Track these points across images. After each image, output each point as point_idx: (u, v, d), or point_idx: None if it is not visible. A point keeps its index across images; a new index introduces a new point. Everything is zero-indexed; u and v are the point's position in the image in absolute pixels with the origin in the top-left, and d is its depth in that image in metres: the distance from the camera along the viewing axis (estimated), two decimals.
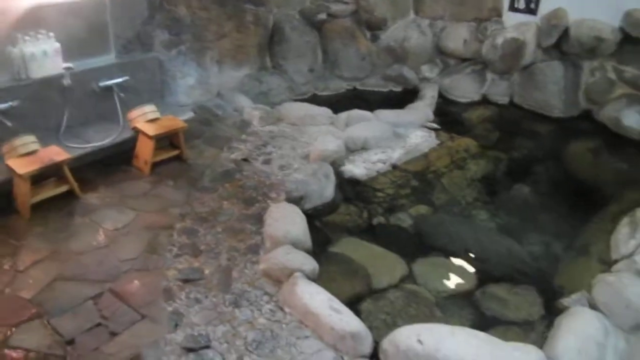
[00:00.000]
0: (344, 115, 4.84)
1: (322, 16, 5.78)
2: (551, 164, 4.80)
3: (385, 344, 2.44)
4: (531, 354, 2.33)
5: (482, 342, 2.39)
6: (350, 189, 4.08)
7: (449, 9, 5.96)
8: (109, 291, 2.84)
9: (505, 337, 2.71)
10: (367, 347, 2.48)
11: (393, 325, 2.79)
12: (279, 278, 2.89)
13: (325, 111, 4.96)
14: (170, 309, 2.72)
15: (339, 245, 3.46)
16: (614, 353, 2.47)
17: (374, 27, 6.01)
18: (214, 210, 3.56)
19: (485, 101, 5.89)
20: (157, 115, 3.92)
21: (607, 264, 3.28)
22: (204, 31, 4.80)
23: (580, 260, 3.46)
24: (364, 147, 4.44)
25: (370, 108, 5.13)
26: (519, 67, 5.70)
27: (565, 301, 2.92)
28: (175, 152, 4.02)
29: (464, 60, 6.12)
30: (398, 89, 6.16)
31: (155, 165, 3.93)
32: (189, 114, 4.55)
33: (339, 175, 4.06)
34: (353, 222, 3.75)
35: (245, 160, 4.20)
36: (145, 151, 3.82)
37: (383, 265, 3.31)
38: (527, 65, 5.69)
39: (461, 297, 3.12)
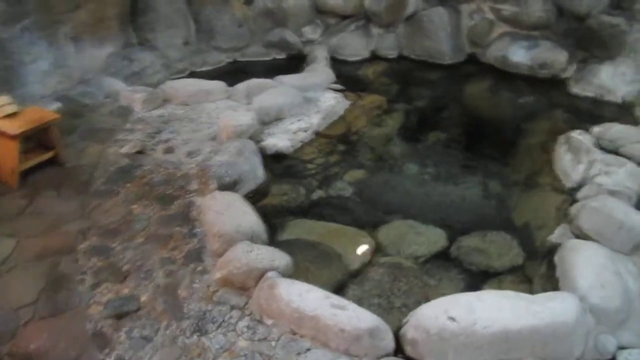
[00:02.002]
0: (242, 86, 4.20)
1: None
2: (456, 109, 4.76)
3: (410, 332, 1.98)
4: (567, 300, 2.05)
5: (513, 300, 2.05)
6: (278, 165, 3.51)
7: None
8: (9, 356, 1.97)
9: (507, 289, 2.47)
10: (389, 343, 2.00)
11: (393, 308, 2.37)
12: (245, 284, 2.26)
13: (219, 85, 4.27)
14: None
15: (290, 230, 2.92)
16: (632, 278, 2.30)
17: None
18: (124, 218, 2.76)
19: (375, 57, 5.63)
20: (15, 108, 2.91)
21: (565, 193, 3.19)
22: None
23: (534, 194, 3.35)
24: (278, 117, 3.87)
25: (257, 77, 4.58)
26: (403, 17, 5.52)
27: (552, 237, 2.73)
28: (49, 154, 3.05)
29: (345, 17, 5.78)
30: (282, 55, 5.63)
31: (25, 174, 2.95)
32: (53, 106, 3.55)
33: (261, 151, 3.45)
34: (293, 202, 3.21)
35: (140, 152, 3.39)
36: (8, 157, 2.82)
37: (347, 242, 2.85)
38: (410, 15, 5.53)
39: (440, 257, 2.80)
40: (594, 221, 2.57)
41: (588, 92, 4.73)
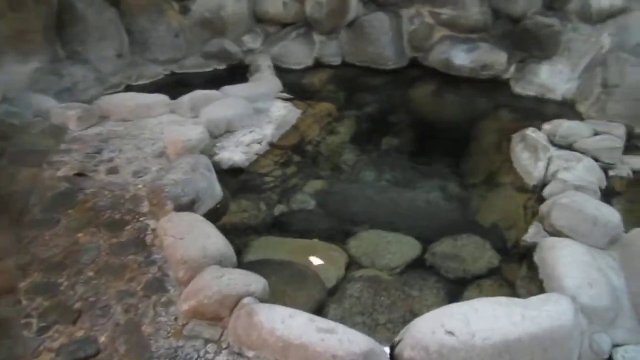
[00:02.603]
0: (186, 99, 3.94)
1: None
2: (405, 113, 4.73)
3: (407, 351, 1.84)
4: (561, 302, 1.98)
5: (507, 307, 1.95)
6: (235, 180, 3.29)
7: None
8: None
9: (488, 293, 2.42)
10: None
11: (379, 325, 2.24)
12: (219, 313, 2.03)
13: (161, 98, 3.99)
14: None
15: (256, 250, 2.72)
16: (614, 273, 2.29)
17: None
18: (69, 249, 2.44)
19: (319, 64, 5.54)
20: None
21: (529, 191, 3.19)
22: None
23: (497, 194, 3.33)
24: (229, 130, 3.65)
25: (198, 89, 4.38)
26: (345, 23, 5.47)
27: (526, 237, 2.69)
28: None
29: (285, 25, 5.65)
30: (223, 66, 5.41)
31: None
32: None
33: (215, 166, 3.22)
34: (254, 219, 3.02)
35: (80, 174, 3.06)
36: None
37: (319, 258, 2.69)
38: (352, 21, 5.48)
39: (415, 266, 2.70)
40: (567, 218, 2.55)
41: (530, 91, 4.84)
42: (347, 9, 5.31)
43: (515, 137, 3.72)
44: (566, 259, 2.29)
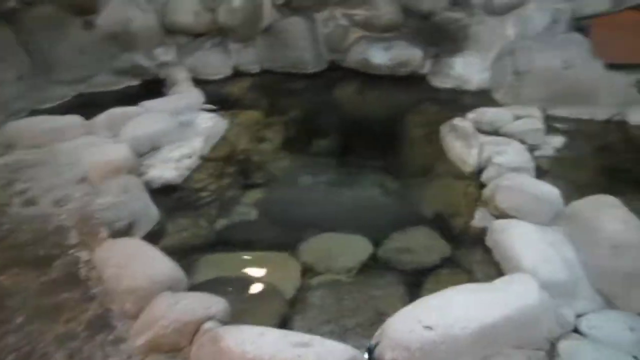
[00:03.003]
0: (102, 118, 3.65)
1: (12, 4, 4.24)
2: (331, 115, 4.73)
3: (387, 353, 1.77)
4: (526, 281, 2.01)
5: (477, 293, 1.95)
6: (169, 199, 3.08)
7: None
8: None
9: (448, 282, 2.42)
10: None
11: (348, 331, 2.15)
12: (178, 343, 1.85)
13: (74, 120, 3.67)
14: None
15: (204, 270, 2.54)
16: (564, 246, 2.37)
17: (86, 10, 4.75)
18: None
19: (237, 73, 5.39)
20: None
21: (467, 178, 3.26)
22: None
23: (436, 184, 3.38)
24: (155, 147, 3.42)
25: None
26: (260, 30, 5.37)
27: (474, 222, 2.73)
28: None
29: (198, 35, 5.44)
30: (136, 82, 5.11)
31: None
32: None
33: (146, 186, 2.99)
34: (196, 237, 2.84)
35: None
36: None
37: (272, 269, 2.57)
38: (267, 28, 5.39)
39: (371, 265, 2.64)
40: (511, 199, 2.61)
41: (447, 84, 5.01)
42: (261, 16, 5.22)
43: (444, 127, 3.80)
44: (519, 239, 2.34)
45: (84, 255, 2.38)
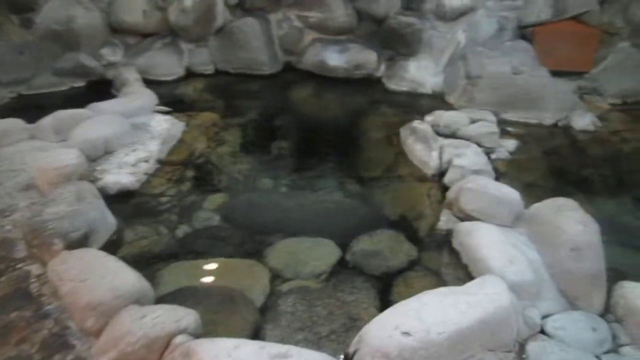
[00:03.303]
0: (47, 121, 3.44)
1: None
2: (288, 117, 4.64)
3: None
4: (495, 283, 2.04)
5: (451, 297, 1.96)
6: (126, 206, 2.93)
7: None
8: None
9: (417, 285, 2.44)
10: None
11: (322, 339, 2.11)
12: (146, 359, 1.75)
13: (16, 123, 3.44)
14: None
15: (168, 280, 2.43)
16: (527, 247, 2.42)
17: (22, 7, 4.47)
18: None
19: (190, 74, 5.25)
20: None
21: (429, 180, 3.30)
22: None
23: (398, 186, 3.39)
24: (108, 150, 3.25)
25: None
26: (213, 30, 5.24)
27: (440, 225, 2.76)
28: None
29: (146, 35, 5.25)
30: (81, 83, 4.86)
31: None
32: None
33: (101, 192, 2.83)
34: (157, 245, 2.71)
35: None
36: None
37: (240, 277, 2.49)
38: (220, 28, 5.27)
39: (339, 270, 2.61)
40: (475, 201, 2.66)
41: (403, 87, 5.08)
42: (214, 16, 5.09)
43: (404, 130, 3.84)
44: (485, 241, 2.38)
45: (34, 269, 2.23)
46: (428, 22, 5.19)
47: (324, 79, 5.36)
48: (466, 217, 2.67)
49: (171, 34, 5.23)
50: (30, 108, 4.37)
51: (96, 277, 1.96)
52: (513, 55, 4.65)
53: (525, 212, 2.63)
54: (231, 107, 4.61)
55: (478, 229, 2.48)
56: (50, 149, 3.12)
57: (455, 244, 2.51)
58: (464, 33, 5.10)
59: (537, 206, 2.58)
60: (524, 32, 5.34)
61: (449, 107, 4.60)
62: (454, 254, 2.50)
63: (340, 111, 4.81)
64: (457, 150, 3.33)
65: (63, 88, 4.75)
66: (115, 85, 4.68)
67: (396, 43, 5.22)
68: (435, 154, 3.37)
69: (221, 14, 5.17)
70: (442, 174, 3.25)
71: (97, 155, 3.17)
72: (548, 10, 5.19)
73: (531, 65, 4.56)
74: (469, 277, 2.29)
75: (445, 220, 2.76)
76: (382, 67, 5.34)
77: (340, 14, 5.40)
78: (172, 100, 4.57)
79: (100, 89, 4.80)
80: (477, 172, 2.98)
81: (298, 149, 4.02)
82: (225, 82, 5.21)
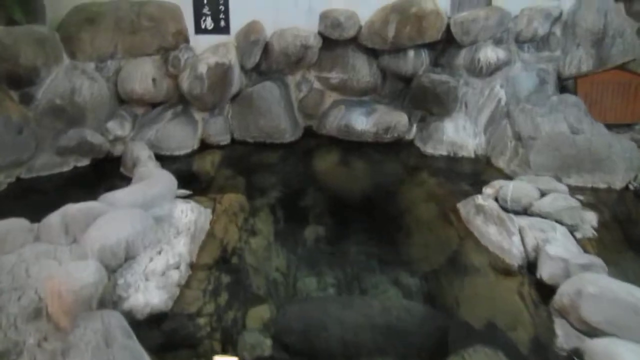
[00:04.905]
0: (55, 219, 2.87)
1: None
2: (319, 192, 4.08)
3: None
4: None
5: None
6: (157, 333, 2.35)
7: (120, 42, 4.49)
8: None
9: None
10: None
11: None
12: None
13: (18, 223, 2.86)
14: None
15: None
16: None
17: (22, 81, 3.99)
18: None
19: (205, 147, 4.77)
20: None
21: (516, 273, 2.78)
22: None
23: (478, 281, 2.83)
24: (130, 256, 2.69)
25: (59, 200, 3.38)
26: (229, 97, 4.80)
27: (559, 341, 2.21)
28: None
29: (156, 105, 4.79)
30: (85, 162, 4.35)
31: None
32: None
33: (127, 317, 2.25)
34: None
35: None
36: None
37: None
38: (236, 94, 4.83)
39: None
40: (603, 311, 2.13)
41: (441, 150, 4.63)
42: (231, 82, 4.66)
43: (465, 206, 3.35)
44: None
45: None
46: (461, 78, 4.80)
47: (348, 144, 4.90)
48: (592, 331, 2.13)
49: (182, 102, 4.78)
50: (31, 194, 3.84)
51: None
52: (565, 112, 4.24)
53: None
54: (255, 185, 4.10)
55: (621, 351, 1.93)
56: (61, 257, 2.56)
57: None
58: (503, 89, 4.70)
59: None
60: (565, 84, 4.98)
61: (499, 172, 4.15)
62: None
63: (375, 182, 4.27)
64: (544, 234, 2.83)
65: (66, 169, 4.23)
66: (125, 163, 4.17)
67: (429, 102, 4.80)
68: (516, 239, 2.86)
69: (237, 79, 4.74)
70: (530, 264, 2.73)
71: (117, 263, 2.61)
72: (589, 61, 4.84)
73: (588, 122, 4.14)
74: None
75: (563, 335, 2.22)
76: (414, 128, 4.91)
77: (365, 74, 5.02)
78: (189, 178, 4.07)
79: (107, 168, 4.31)
80: (585, 267, 2.46)
81: (335, 233, 3.44)
82: (244, 153, 4.73)
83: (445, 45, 4.90)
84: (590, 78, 4.84)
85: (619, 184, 3.80)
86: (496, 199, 3.38)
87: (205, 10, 4.62)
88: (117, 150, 4.43)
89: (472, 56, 4.71)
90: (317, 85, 5.16)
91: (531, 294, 2.58)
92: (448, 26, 4.71)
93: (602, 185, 3.81)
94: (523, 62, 4.84)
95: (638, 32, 4.96)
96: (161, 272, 2.60)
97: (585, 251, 2.85)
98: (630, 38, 4.87)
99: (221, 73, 4.52)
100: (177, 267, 2.67)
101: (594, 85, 4.84)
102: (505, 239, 2.89)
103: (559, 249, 2.64)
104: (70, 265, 2.41)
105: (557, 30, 4.92)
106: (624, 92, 4.83)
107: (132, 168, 4.03)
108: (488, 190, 3.49)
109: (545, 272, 2.56)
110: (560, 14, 4.86)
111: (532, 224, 2.94)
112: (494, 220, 3.04)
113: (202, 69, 4.44)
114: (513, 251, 2.81)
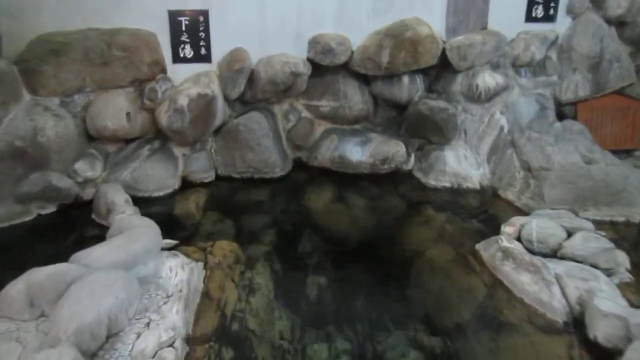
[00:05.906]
0: (17, 288, 2.38)
1: None
2: (315, 234, 3.66)
3: None
4: None
5: None
6: None
7: (89, 75, 4.02)
8: None
9: None
10: None
11: None
12: None
13: None
14: None
15: None
16: None
17: None
18: None
19: (187, 185, 4.33)
20: None
21: (562, 331, 2.44)
22: None
23: (513, 340, 2.49)
24: (112, 332, 2.23)
25: (21, 258, 2.95)
26: (212, 130, 4.40)
27: None
28: None
29: (130, 140, 4.34)
30: (50, 209, 3.85)
31: None
32: None
33: None
34: None
35: None
36: None
37: None
38: (220, 127, 4.44)
39: None
40: None
41: (443, 182, 4.33)
42: (215, 113, 4.26)
43: (486, 248, 3.06)
44: None
45: None
46: (459, 105, 4.54)
47: (342, 176, 4.55)
48: None
49: (159, 137, 4.34)
50: None
51: None
52: (575, 140, 4.01)
53: None
54: (246, 228, 3.69)
55: None
56: (25, 338, 2.09)
57: None
58: (503, 115, 4.46)
59: None
60: (561, 110, 4.79)
61: (509, 205, 3.89)
62: None
63: (377, 220, 3.89)
64: (585, 284, 2.52)
65: (28, 218, 3.72)
66: (97, 208, 3.69)
67: (427, 130, 4.51)
68: (556, 290, 2.54)
69: (221, 111, 4.35)
70: (575, 319, 2.41)
71: (98, 344, 2.15)
72: (586, 85, 4.68)
73: (599, 151, 3.91)
74: None
75: None
76: (412, 158, 4.61)
77: (357, 101, 4.71)
78: (172, 224, 3.64)
79: (77, 215, 3.82)
80: None
81: (338, 284, 3.05)
82: (230, 191, 4.31)
83: (439, 71, 4.64)
84: (590, 104, 4.67)
85: (637, 217, 3.56)
86: (518, 239, 3.09)
87: (184, 37, 4.23)
88: (88, 193, 3.95)
89: (469, 82, 4.47)
90: (306, 114, 4.81)
91: (583, 358, 2.24)
92: (443, 51, 4.45)
93: (620, 219, 3.56)
94: (521, 88, 4.64)
95: (631, 56, 4.84)
96: (152, 352, 2.16)
97: (629, 301, 2.55)
98: (627, 63, 4.74)
99: (204, 105, 4.12)
100: (172, 344, 2.23)
101: (594, 111, 4.68)
102: (544, 290, 2.57)
103: (609, 302, 2.33)
104: (40, 353, 1.95)
105: (553, 55, 4.76)
106: (622, 117, 4.69)
107: (106, 214, 3.57)
108: (508, 229, 3.19)
109: (600, 332, 2.24)
110: (556, 38, 4.69)
111: (569, 271, 2.64)
112: (527, 267, 2.71)
113: (183, 101, 4.02)
114: (554, 305, 2.49)
